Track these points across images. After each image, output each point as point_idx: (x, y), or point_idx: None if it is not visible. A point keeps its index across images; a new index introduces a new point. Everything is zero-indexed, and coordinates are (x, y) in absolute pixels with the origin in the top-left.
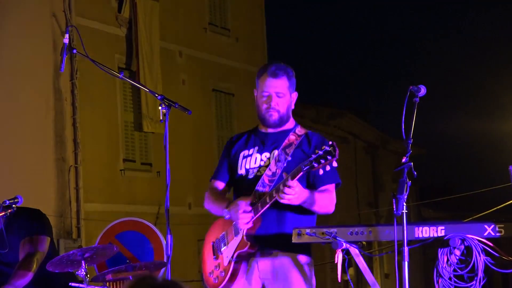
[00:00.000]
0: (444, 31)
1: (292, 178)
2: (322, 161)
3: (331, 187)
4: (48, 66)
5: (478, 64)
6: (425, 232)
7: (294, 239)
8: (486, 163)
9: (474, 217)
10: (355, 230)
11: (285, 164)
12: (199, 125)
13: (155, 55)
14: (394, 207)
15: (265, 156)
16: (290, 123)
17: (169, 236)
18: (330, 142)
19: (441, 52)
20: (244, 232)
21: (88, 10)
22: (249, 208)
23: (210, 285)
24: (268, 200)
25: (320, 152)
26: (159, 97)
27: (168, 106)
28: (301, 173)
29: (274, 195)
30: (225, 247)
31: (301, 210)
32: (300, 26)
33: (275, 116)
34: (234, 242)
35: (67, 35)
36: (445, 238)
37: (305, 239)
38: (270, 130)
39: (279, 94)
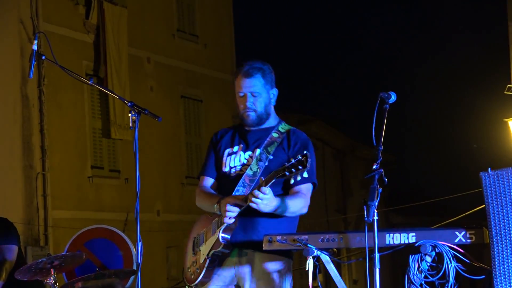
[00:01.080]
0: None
1: (266, 184)
2: (293, 170)
3: (306, 187)
4: (15, 72)
5: (452, 71)
6: (396, 238)
7: (265, 246)
8: (454, 170)
9: (444, 223)
10: (326, 237)
11: (266, 163)
12: (167, 132)
13: (123, 62)
14: (365, 213)
15: (248, 155)
16: (273, 120)
17: (139, 243)
18: (305, 152)
19: (413, 59)
20: (221, 232)
21: (55, 16)
22: (236, 202)
23: (187, 279)
24: (243, 203)
25: (293, 162)
26: (129, 103)
27: (138, 113)
28: (273, 180)
29: (248, 199)
30: (203, 244)
31: (279, 220)
32: (269, 32)
33: (252, 116)
34: (211, 240)
35: (35, 42)
36: (416, 244)
37: (276, 246)
38: (253, 128)
39: (254, 94)
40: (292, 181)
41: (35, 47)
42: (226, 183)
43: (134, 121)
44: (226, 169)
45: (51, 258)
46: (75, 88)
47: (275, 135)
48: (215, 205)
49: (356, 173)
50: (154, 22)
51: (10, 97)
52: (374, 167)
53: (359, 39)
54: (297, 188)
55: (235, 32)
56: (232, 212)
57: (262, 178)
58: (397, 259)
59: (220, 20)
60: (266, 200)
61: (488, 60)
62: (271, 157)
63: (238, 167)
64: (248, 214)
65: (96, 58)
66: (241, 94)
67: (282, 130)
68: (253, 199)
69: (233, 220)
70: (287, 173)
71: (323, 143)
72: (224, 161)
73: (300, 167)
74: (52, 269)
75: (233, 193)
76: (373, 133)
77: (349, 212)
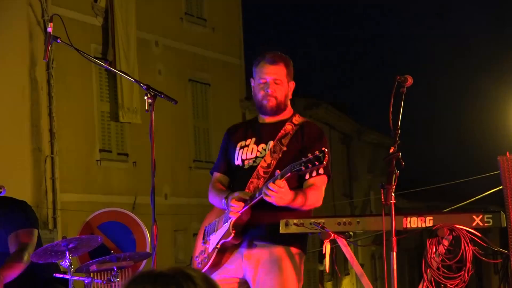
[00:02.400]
0: (426, 25)
1: (281, 178)
2: (310, 165)
3: (320, 179)
4: (24, 55)
5: (459, 55)
6: (413, 222)
7: (282, 230)
8: (462, 155)
9: (457, 206)
10: (343, 221)
11: (280, 155)
12: (175, 115)
13: (132, 45)
14: (383, 197)
15: (261, 147)
16: (288, 112)
17: (155, 226)
18: (323, 148)
19: (425, 43)
20: (232, 222)
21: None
22: (242, 198)
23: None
24: (257, 195)
25: (310, 157)
26: (144, 87)
27: (154, 96)
28: (289, 174)
29: (262, 191)
30: (213, 233)
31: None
32: (278, 16)
33: (272, 102)
34: (222, 230)
35: (51, 24)
36: (434, 228)
37: (292, 229)
38: (267, 120)
39: (276, 81)
40: (307, 177)
41: (50, 30)
42: (240, 176)
43: (150, 104)
44: (239, 162)
45: (67, 241)
46: (83, 71)
47: (289, 127)
48: (223, 201)
49: (363, 158)
50: (162, 6)
51: (19, 80)
52: (392, 150)
53: (369, 23)
54: (312, 180)
55: (243, 15)
56: (236, 207)
57: (278, 171)
58: (402, 243)
59: (228, 4)
60: (281, 194)
61: (500, 43)
62: (285, 149)
63: (252, 160)
64: (262, 207)
65: (104, 41)
66: (264, 81)
67: (296, 122)
68: (268, 192)
69: (238, 214)
70: (303, 168)
71: (330, 127)
72: (236, 154)
73: (316, 163)
74: (67, 252)
75: (247, 185)
76: (390, 117)
77: (356, 197)
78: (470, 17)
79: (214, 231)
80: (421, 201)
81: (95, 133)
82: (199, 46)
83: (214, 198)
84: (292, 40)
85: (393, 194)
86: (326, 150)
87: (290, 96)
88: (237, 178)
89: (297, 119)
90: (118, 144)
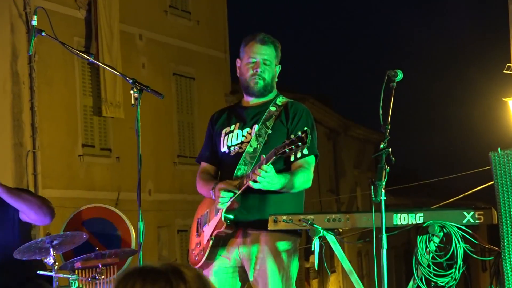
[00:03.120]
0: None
1: (266, 162)
2: (293, 147)
3: (308, 159)
4: (5, 48)
5: (450, 49)
6: (403, 219)
7: (270, 226)
8: (449, 151)
9: (445, 202)
10: (333, 217)
11: (265, 138)
12: (159, 110)
13: (115, 38)
14: (372, 193)
15: (246, 132)
16: (272, 94)
17: (141, 222)
18: (305, 128)
19: (411, 36)
20: (223, 212)
21: None
22: (228, 189)
23: (191, 261)
24: (244, 182)
25: (292, 138)
26: (130, 81)
27: (140, 90)
28: (274, 157)
29: (249, 178)
30: (206, 225)
31: (285, 198)
32: (262, 9)
33: (260, 84)
34: (214, 221)
35: (35, 17)
36: (424, 225)
37: (281, 226)
38: (252, 103)
39: (266, 62)
40: (292, 158)
41: (34, 23)
42: (226, 163)
43: (136, 99)
44: (224, 149)
45: (51, 237)
46: (65, 65)
47: (272, 108)
48: (211, 192)
49: (349, 153)
50: None
51: (0, 73)
52: (382, 146)
53: (355, 16)
54: (299, 161)
55: (228, 8)
56: (223, 197)
57: (263, 156)
58: (389, 240)
59: None
60: (268, 178)
61: (487, 39)
62: (270, 131)
63: (237, 146)
64: (252, 193)
65: (87, 35)
66: (253, 60)
67: (279, 103)
68: (254, 177)
69: (226, 205)
70: (287, 150)
71: (316, 122)
72: (221, 141)
73: (299, 143)
74: (51, 249)
75: (235, 172)
76: (380, 112)
77: (342, 193)
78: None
79: (207, 223)
80: (408, 197)
81: (77, 127)
82: (183, 40)
83: (202, 189)
84: (278, 33)
85: (383, 190)
86: (307, 129)
87: (276, 79)
88: (224, 166)
89: (281, 100)
90: (101, 139)
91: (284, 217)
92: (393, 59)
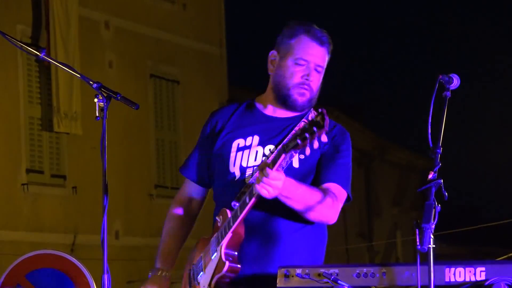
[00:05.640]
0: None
1: (273, 166)
2: (307, 135)
3: (338, 188)
4: None
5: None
6: (459, 274)
7: (280, 283)
8: None
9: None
10: (364, 271)
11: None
12: (131, 124)
13: (73, 27)
14: (418, 240)
15: (269, 150)
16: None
17: (106, 275)
18: (320, 110)
19: (461, 40)
20: (224, 247)
21: None
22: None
23: None
24: (247, 200)
25: (304, 124)
26: (94, 85)
27: (107, 97)
28: (283, 155)
29: (254, 192)
30: (202, 273)
31: (300, 238)
32: None
33: (306, 96)
34: (212, 265)
35: None
36: (487, 283)
37: (294, 282)
38: (279, 113)
39: (318, 68)
40: (308, 152)
41: None
42: (233, 190)
43: (101, 109)
44: (236, 170)
45: None
46: (6, 63)
47: (302, 124)
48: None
49: (387, 185)
50: None
51: None
52: (431, 176)
53: (392, 17)
54: (325, 185)
55: None
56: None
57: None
58: None
59: None
60: (276, 181)
61: None
62: (301, 155)
63: (255, 169)
64: (261, 235)
65: (35, 22)
66: (304, 63)
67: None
68: (258, 186)
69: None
70: (299, 142)
71: None
72: (231, 158)
73: (315, 128)
74: None
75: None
76: (429, 130)
77: (376, 238)
78: None
79: (202, 270)
80: (466, 245)
81: (21, 147)
82: (164, 30)
83: (163, 239)
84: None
85: (432, 236)
86: (323, 110)
87: None
88: (226, 194)
89: (314, 113)
90: (53, 163)
91: (299, 270)
92: (449, 60)
